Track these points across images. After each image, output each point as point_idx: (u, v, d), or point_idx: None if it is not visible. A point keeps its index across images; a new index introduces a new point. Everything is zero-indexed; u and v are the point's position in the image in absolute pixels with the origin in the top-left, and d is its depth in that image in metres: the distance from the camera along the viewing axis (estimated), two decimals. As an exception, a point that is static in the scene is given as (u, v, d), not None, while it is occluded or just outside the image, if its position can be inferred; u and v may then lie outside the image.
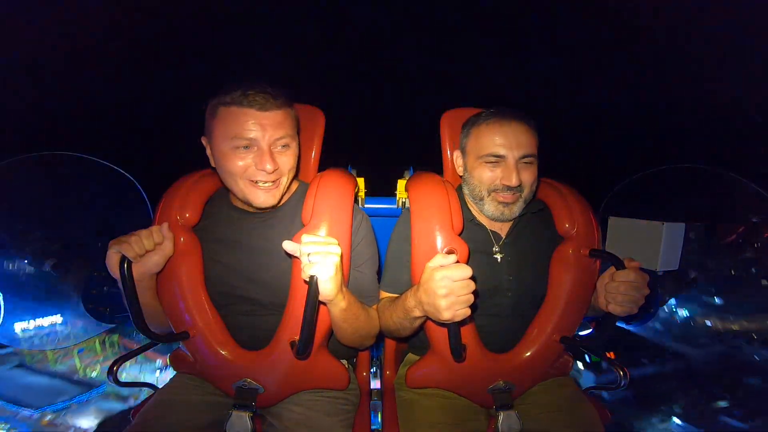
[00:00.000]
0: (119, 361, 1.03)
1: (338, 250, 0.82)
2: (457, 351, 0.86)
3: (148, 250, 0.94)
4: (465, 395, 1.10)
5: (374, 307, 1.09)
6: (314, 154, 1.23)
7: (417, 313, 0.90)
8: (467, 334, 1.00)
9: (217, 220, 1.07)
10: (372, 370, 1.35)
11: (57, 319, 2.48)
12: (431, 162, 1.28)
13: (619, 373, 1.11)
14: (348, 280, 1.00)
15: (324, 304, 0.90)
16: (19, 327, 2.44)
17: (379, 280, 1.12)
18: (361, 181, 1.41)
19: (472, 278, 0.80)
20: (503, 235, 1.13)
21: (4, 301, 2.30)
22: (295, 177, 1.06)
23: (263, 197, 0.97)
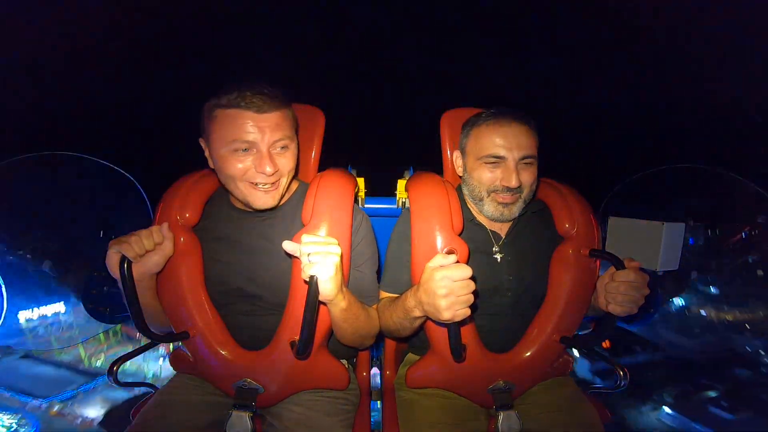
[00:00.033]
0: (119, 361, 1.03)
1: (338, 250, 0.82)
2: (457, 351, 0.85)
3: (148, 250, 0.94)
4: (465, 395, 1.10)
5: (374, 307, 1.09)
6: (314, 154, 1.23)
7: (417, 313, 0.90)
8: (467, 334, 1.00)
9: (217, 220, 1.07)
10: (372, 370, 1.35)
11: (60, 307, 2.49)
12: (431, 162, 1.28)
13: (619, 373, 1.11)
14: (348, 280, 1.00)
15: (324, 304, 0.90)
16: (23, 316, 2.45)
17: (379, 280, 1.12)
18: (361, 181, 1.41)
19: (472, 278, 0.80)
20: (503, 235, 1.13)
21: (8, 293, 2.32)
22: (295, 177, 1.06)
23: (263, 199, 0.97)
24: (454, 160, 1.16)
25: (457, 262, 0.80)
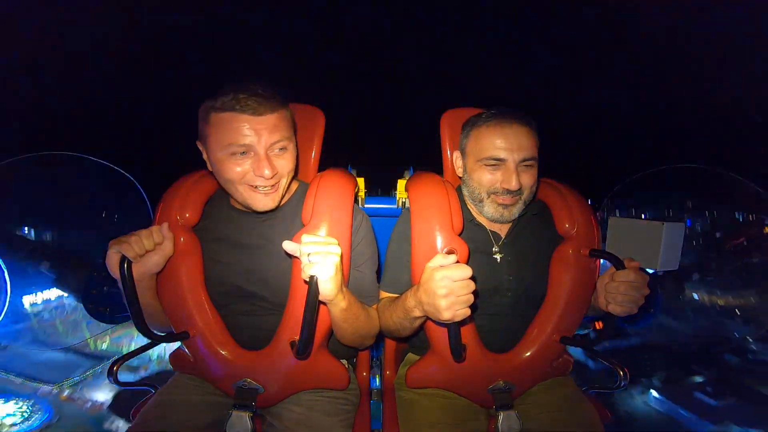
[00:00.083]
0: (119, 361, 1.03)
1: (338, 250, 0.82)
2: (457, 351, 0.85)
3: (148, 250, 0.94)
4: (465, 395, 1.10)
5: (374, 307, 1.09)
6: (314, 154, 1.23)
7: (417, 313, 0.90)
8: (467, 334, 1.00)
9: (217, 220, 1.07)
10: (372, 370, 1.35)
11: (63, 291, 2.50)
12: (431, 162, 1.28)
13: (620, 373, 1.11)
14: (348, 280, 1.00)
15: (324, 304, 0.90)
16: (27, 301, 2.47)
17: (379, 280, 1.12)
18: (361, 181, 1.41)
19: (472, 278, 0.80)
20: (503, 236, 1.13)
21: (10, 277, 2.33)
22: (295, 177, 1.06)
23: (263, 201, 0.96)
24: (454, 160, 1.16)
25: (457, 262, 0.80)
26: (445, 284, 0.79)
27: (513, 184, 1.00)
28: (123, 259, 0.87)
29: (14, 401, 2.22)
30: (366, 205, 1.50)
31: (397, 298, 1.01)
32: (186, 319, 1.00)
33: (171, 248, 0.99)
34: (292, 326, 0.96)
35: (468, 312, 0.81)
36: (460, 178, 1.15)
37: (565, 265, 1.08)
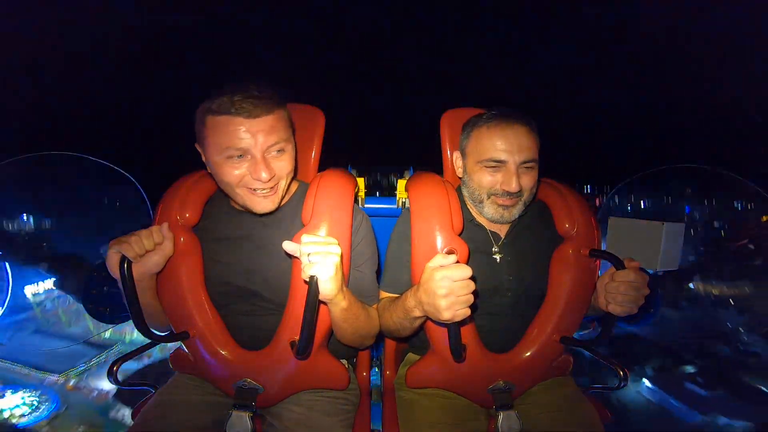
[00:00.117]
0: (119, 362, 1.03)
1: (338, 250, 0.82)
2: (457, 351, 0.85)
3: (148, 250, 0.94)
4: (465, 395, 1.10)
5: (374, 306, 1.09)
6: (314, 154, 1.23)
7: (417, 313, 0.90)
8: (467, 334, 1.00)
9: (217, 220, 1.07)
10: (372, 370, 1.35)
11: (63, 291, 2.50)
12: (431, 162, 1.28)
13: (620, 373, 1.11)
14: (348, 280, 1.00)
15: (324, 303, 0.89)
16: (29, 291, 2.48)
17: (378, 280, 1.12)
18: (361, 181, 1.41)
19: (472, 278, 0.80)
20: (502, 236, 1.13)
21: (11, 268, 2.34)
22: (294, 177, 1.06)
23: (263, 204, 0.95)
24: (454, 161, 1.16)
25: (457, 262, 0.80)
26: (445, 284, 0.79)
27: (513, 186, 1.00)
28: (123, 259, 0.87)
29: (22, 392, 2.25)
30: (366, 205, 1.50)
31: (397, 298, 1.01)
32: (186, 319, 1.00)
33: (171, 248, 0.99)
34: (292, 326, 0.96)
35: (468, 312, 0.81)
36: (460, 178, 1.15)
37: (565, 265, 1.08)
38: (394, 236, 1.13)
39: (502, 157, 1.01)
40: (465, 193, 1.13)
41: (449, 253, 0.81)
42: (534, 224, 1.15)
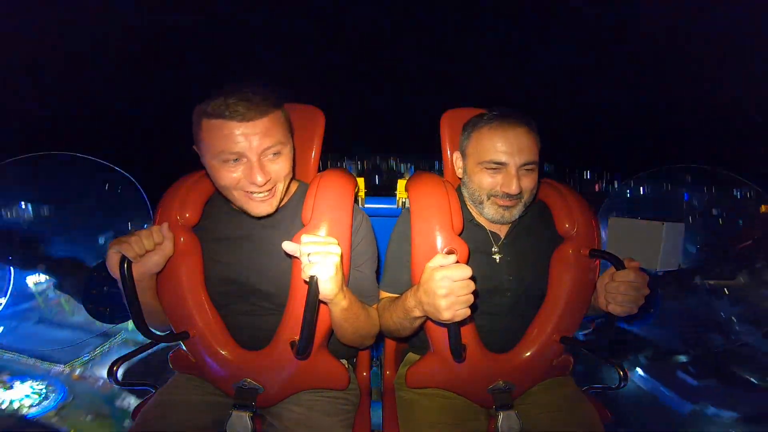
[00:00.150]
0: (119, 361, 1.03)
1: (338, 250, 0.82)
2: (457, 351, 0.85)
3: (148, 250, 0.94)
4: (465, 395, 1.10)
5: (374, 306, 1.09)
6: (314, 154, 1.23)
7: (417, 313, 0.90)
8: (467, 334, 1.00)
9: (217, 220, 1.07)
10: (372, 370, 1.35)
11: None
12: (431, 162, 1.28)
13: (620, 373, 1.11)
14: (348, 280, 1.00)
15: (325, 303, 0.89)
16: (31, 281, 2.48)
17: (378, 280, 1.12)
18: (361, 181, 1.41)
19: (472, 278, 0.80)
20: (502, 236, 1.13)
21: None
22: (293, 178, 1.05)
23: (260, 208, 0.95)
24: (454, 161, 1.16)
25: (457, 262, 0.80)
26: (445, 284, 0.79)
27: (513, 189, 1.00)
28: (123, 259, 0.87)
29: (29, 382, 2.27)
30: (366, 205, 1.50)
31: (397, 298, 1.01)
32: (186, 319, 1.00)
33: (171, 248, 0.99)
34: (292, 326, 0.96)
35: (468, 312, 0.81)
36: (459, 179, 1.15)
37: (565, 265, 1.08)
38: (394, 236, 1.13)
39: (503, 159, 1.00)
40: (465, 193, 1.13)
41: (449, 253, 0.81)
42: (534, 224, 1.15)
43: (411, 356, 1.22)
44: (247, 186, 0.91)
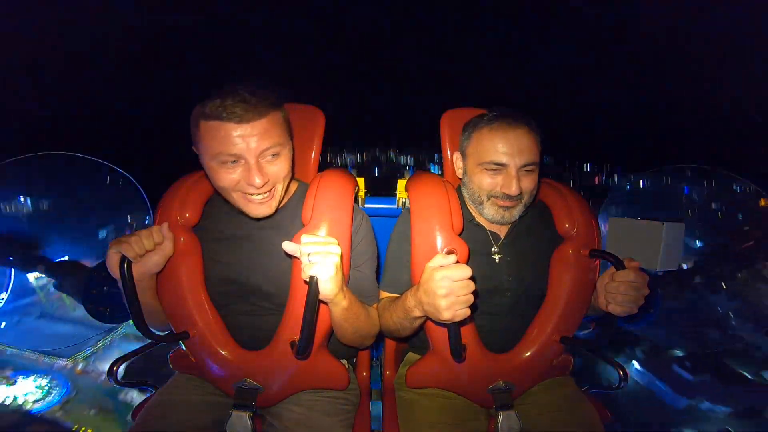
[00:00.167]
0: (119, 361, 1.03)
1: (338, 250, 0.82)
2: (457, 351, 0.85)
3: (148, 250, 0.94)
4: (465, 395, 1.10)
5: (374, 306, 1.09)
6: (314, 154, 1.23)
7: (417, 313, 0.90)
8: (467, 334, 1.00)
9: (217, 220, 1.07)
10: (372, 370, 1.35)
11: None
12: (431, 154, 1.28)
13: (620, 373, 1.11)
14: (348, 280, 1.00)
15: (325, 303, 0.89)
16: (32, 276, 2.49)
17: (378, 280, 1.12)
18: (361, 181, 1.41)
19: (472, 278, 0.80)
20: (502, 236, 1.13)
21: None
22: (293, 178, 1.05)
23: (259, 209, 0.95)
24: (455, 161, 1.16)
25: (457, 262, 0.80)
26: (445, 284, 0.79)
27: (513, 190, 1.00)
28: (123, 259, 0.87)
29: (33, 377, 2.29)
30: (366, 205, 1.50)
31: (397, 298, 1.01)
32: (186, 319, 1.00)
33: (171, 248, 0.99)
34: (292, 326, 0.96)
35: (468, 312, 0.81)
36: (459, 179, 1.15)
37: (565, 265, 1.08)
38: (394, 236, 1.13)
39: (503, 160, 1.00)
40: (465, 193, 1.13)
41: (449, 253, 0.81)
42: (534, 224, 1.15)
43: (411, 356, 1.22)
44: (246, 188, 0.91)
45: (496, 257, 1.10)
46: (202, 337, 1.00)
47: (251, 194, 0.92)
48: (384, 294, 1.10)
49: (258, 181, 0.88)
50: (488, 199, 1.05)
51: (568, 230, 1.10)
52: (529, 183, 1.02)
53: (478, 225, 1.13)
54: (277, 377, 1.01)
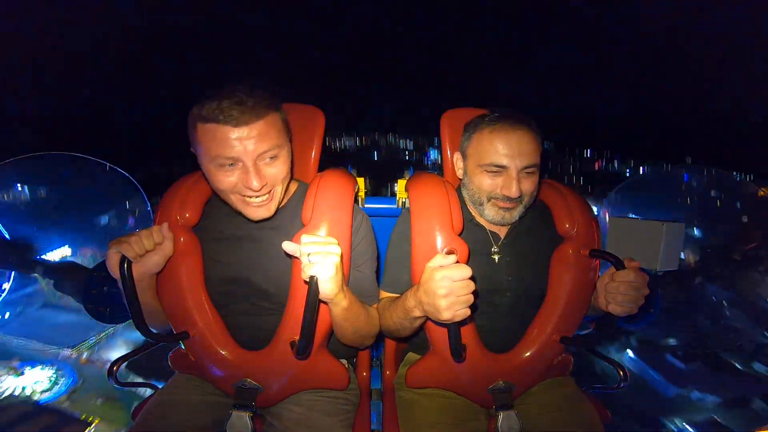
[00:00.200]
0: (119, 361, 1.03)
1: (338, 250, 0.82)
2: (457, 351, 0.85)
3: (148, 250, 0.94)
4: (465, 395, 1.10)
5: (374, 306, 1.09)
6: (314, 154, 1.23)
7: (417, 313, 0.90)
8: (467, 334, 1.00)
9: (217, 220, 1.07)
10: (372, 370, 1.35)
11: (66, 251, 2.51)
12: (430, 139, 1.28)
13: (620, 373, 1.11)
14: (348, 280, 1.00)
15: (325, 303, 0.89)
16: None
17: (379, 280, 1.12)
18: (361, 181, 1.41)
19: (472, 278, 0.80)
20: (502, 236, 1.13)
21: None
22: (292, 178, 1.05)
23: (258, 212, 0.94)
24: (455, 162, 1.15)
25: (457, 262, 0.80)
26: (445, 284, 0.79)
27: (513, 192, 0.99)
28: (123, 259, 0.87)
29: (39, 368, 2.31)
30: (366, 205, 1.50)
31: (397, 298, 1.01)
32: (186, 319, 1.00)
33: (171, 248, 0.99)
34: (292, 326, 0.96)
35: (468, 312, 0.81)
36: (459, 179, 1.15)
37: (565, 265, 1.08)
38: (394, 236, 1.13)
39: (504, 162, 1.00)
40: (465, 194, 1.13)
41: (449, 253, 0.81)
42: (534, 224, 1.15)
43: (411, 356, 1.22)
44: (244, 190, 0.90)
45: (496, 257, 1.10)
46: (202, 337, 1.00)
47: (249, 197, 0.92)
48: (384, 294, 1.10)
49: (256, 184, 0.88)
50: (488, 200, 1.05)
51: (568, 230, 1.10)
52: (529, 185, 1.02)
53: (478, 225, 1.13)
54: (277, 377, 1.01)
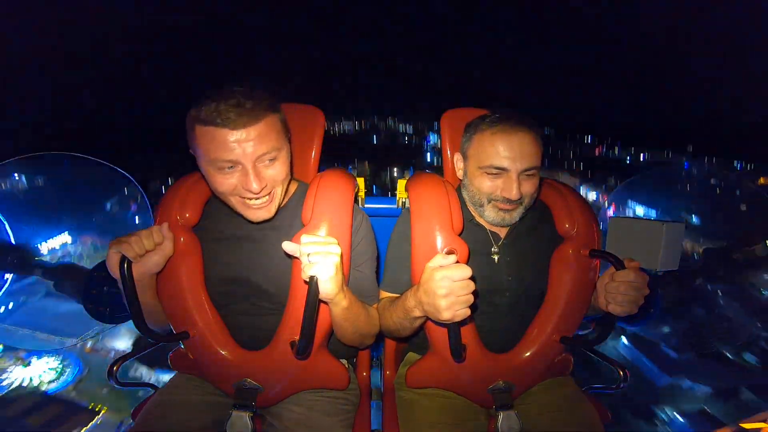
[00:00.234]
0: (119, 361, 1.03)
1: (338, 250, 0.82)
2: (457, 351, 0.85)
3: (148, 250, 0.94)
4: (465, 395, 1.10)
5: (374, 306, 1.09)
6: (314, 154, 1.23)
7: (417, 313, 0.90)
8: (467, 334, 1.00)
9: (217, 220, 1.07)
10: (372, 370, 1.35)
11: (66, 238, 2.50)
12: (431, 162, 1.28)
13: (620, 373, 1.11)
14: (348, 280, 1.00)
15: (325, 303, 0.90)
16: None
17: (379, 280, 1.12)
18: (361, 181, 1.41)
19: (472, 278, 0.80)
20: (502, 236, 1.13)
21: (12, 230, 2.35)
22: (292, 178, 1.05)
23: (258, 214, 0.94)
24: (455, 162, 1.15)
25: (457, 262, 0.80)
26: (445, 284, 0.79)
27: (513, 194, 0.99)
28: (123, 259, 0.87)
29: (46, 357, 2.31)
30: (366, 205, 1.50)
31: (397, 298, 1.01)
32: (186, 319, 1.00)
33: (171, 248, 0.99)
34: (292, 326, 0.96)
35: (468, 312, 0.81)
36: (459, 180, 1.15)
37: (565, 265, 1.08)
38: (394, 236, 1.13)
39: (504, 164, 1.00)
40: (465, 195, 1.13)
41: (449, 253, 0.81)
42: (534, 225, 1.15)
43: (411, 356, 1.22)
44: (244, 192, 0.90)
45: (496, 257, 1.10)
46: (202, 337, 1.00)
47: (249, 199, 0.92)
48: (384, 294, 1.10)
49: (255, 186, 0.88)
50: (488, 202, 1.04)
51: (568, 230, 1.10)
52: (529, 187, 1.02)
53: (478, 225, 1.13)
54: (277, 377, 1.01)
